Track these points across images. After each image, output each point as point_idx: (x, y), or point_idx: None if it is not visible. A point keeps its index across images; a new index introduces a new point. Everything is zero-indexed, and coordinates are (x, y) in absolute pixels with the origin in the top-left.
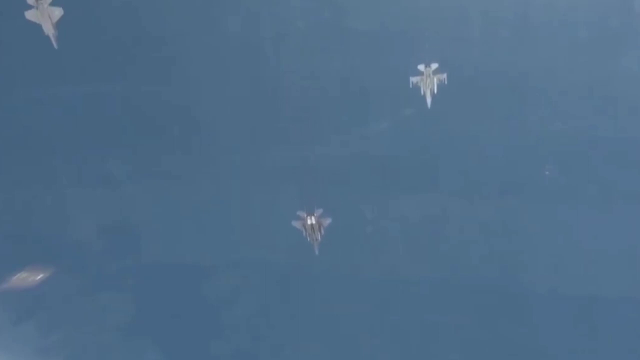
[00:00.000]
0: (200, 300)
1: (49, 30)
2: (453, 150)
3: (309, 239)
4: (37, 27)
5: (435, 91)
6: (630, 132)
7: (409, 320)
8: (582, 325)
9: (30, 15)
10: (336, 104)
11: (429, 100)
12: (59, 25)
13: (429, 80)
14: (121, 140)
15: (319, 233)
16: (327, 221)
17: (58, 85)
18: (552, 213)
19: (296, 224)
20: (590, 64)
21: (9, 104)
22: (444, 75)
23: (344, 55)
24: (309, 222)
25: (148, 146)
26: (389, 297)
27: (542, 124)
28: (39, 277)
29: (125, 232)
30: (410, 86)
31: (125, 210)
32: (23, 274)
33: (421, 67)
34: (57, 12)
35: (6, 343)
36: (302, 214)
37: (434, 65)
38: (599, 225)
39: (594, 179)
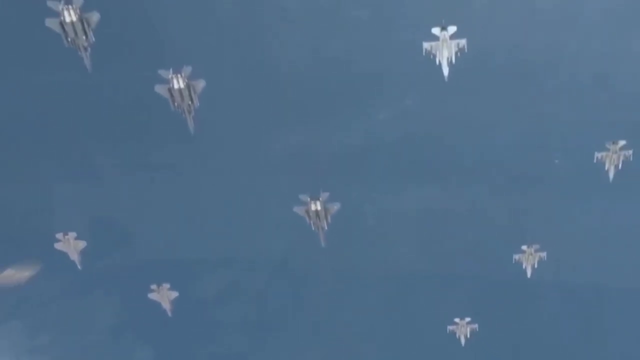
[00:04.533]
0: (194, 299)
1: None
2: (467, 138)
3: (313, 228)
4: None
5: (454, 60)
6: None
7: (419, 322)
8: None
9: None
10: (339, 86)
11: (445, 70)
12: None
13: (445, 45)
14: (107, 130)
15: (325, 221)
16: (335, 207)
17: (36, 72)
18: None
19: (298, 210)
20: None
21: None
22: (463, 42)
23: (347, 31)
24: (313, 207)
25: (136, 136)
26: (398, 298)
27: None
28: (25, 275)
29: (114, 228)
30: (424, 54)
31: (113, 205)
32: (9, 272)
33: (436, 30)
34: None
35: None
36: (306, 198)
37: (452, 29)
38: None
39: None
